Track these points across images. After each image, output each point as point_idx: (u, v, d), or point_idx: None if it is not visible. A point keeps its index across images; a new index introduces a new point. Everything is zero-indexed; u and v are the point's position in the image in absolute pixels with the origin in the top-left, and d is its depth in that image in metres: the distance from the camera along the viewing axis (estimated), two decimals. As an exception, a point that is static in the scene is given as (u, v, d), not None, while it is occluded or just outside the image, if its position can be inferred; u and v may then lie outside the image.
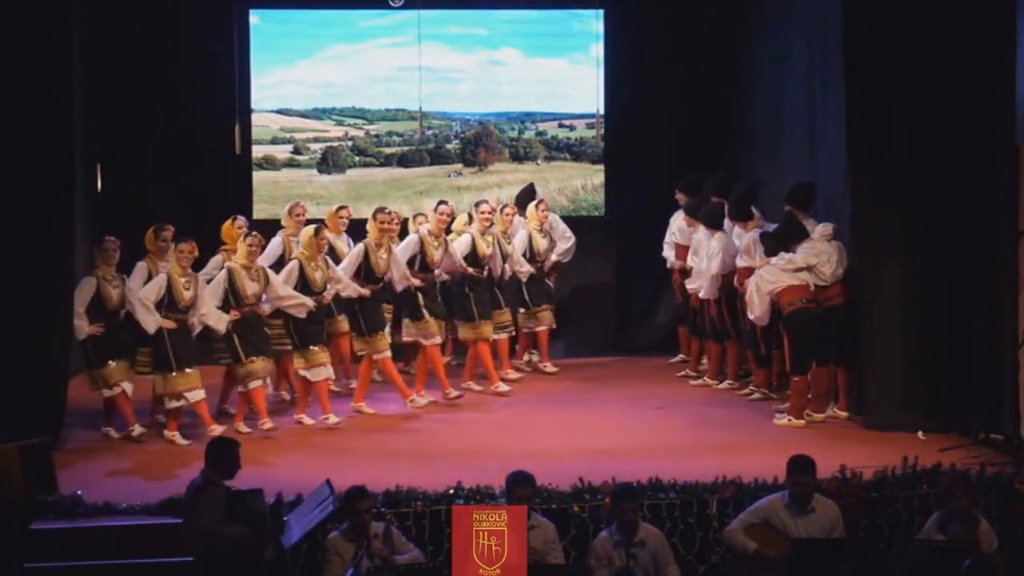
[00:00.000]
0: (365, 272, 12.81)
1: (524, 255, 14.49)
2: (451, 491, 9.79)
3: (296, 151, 16.23)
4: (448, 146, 16.41)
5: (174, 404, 11.85)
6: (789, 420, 12.21)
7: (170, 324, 11.81)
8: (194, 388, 11.83)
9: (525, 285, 14.55)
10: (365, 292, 12.71)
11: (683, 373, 14.45)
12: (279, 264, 12.81)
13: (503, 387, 13.73)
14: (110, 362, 11.87)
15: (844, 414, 12.39)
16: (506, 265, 14.26)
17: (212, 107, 15.48)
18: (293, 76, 16.12)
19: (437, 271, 13.38)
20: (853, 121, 11.96)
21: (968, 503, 8.75)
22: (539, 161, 16.48)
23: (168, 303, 11.82)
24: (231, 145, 15.33)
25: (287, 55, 16.05)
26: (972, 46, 11.54)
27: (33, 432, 10.07)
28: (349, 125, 16.37)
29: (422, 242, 13.26)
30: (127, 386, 12.00)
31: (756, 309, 12.42)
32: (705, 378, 14.08)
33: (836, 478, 9.93)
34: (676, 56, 15.89)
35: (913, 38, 11.67)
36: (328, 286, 12.55)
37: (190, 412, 12.10)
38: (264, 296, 12.22)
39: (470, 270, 13.65)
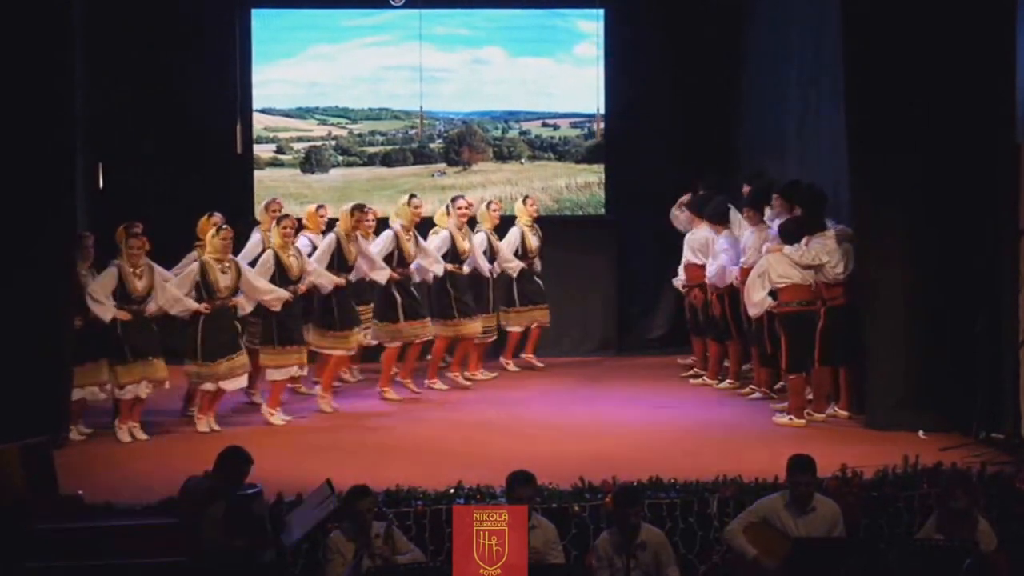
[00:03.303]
0: (338, 263, 12.94)
1: (516, 252, 14.53)
2: (451, 491, 9.83)
3: (279, 151, 16.28)
4: (432, 145, 16.48)
5: (128, 396, 11.90)
6: (790, 419, 12.27)
7: (124, 315, 11.86)
8: (143, 380, 11.90)
9: (516, 283, 14.61)
10: (341, 281, 12.83)
11: (690, 372, 14.55)
12: (256, 261, 12.92)
13: (463, 381, 14.12)
14: (88, 362, 11.94)
15: (845, 413, 12.47)
16: (495, 264, 14.32)
17: (213, 106, 15.56)
18: (276, 75, 16.16)
19: (413, 265, 13.47)
20: (853, 120, 12.03)
21: (968, 503, 8.80)
22: (523, 160, 16.55)
23: (121, 295, 11.88)
24: (232, 144, 15.38)
25: (270, 54, 16.08)
26: (972, 45, 11.62)
27: (34, 432, 10.16)
28: (332, 124, 16.42)
29: (397, 237, 13.35)
30: (95, 389, 12.07)
31: (754, 296, 12.40)
32: (705, 377, 14.15)
33: (837, 477, 9.98)
34: (676, 55, 16.00)
35: (913, 36, 11.76)
36: (304, 277, 12.67)
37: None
38: (240, 290, 12.30)
39: (450, 267, 13.78)
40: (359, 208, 13.17)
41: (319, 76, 16.35)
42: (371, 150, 16.46)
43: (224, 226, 12.41)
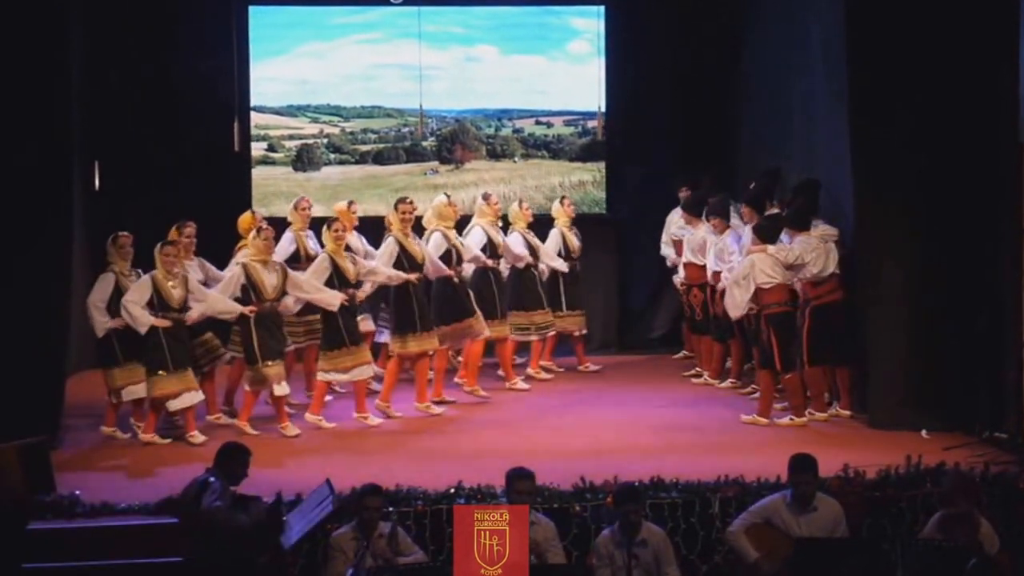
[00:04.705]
0: (408, 263, 12.83)
1: (559, 254, 14.63)
2: (452, 491, 9.94)
3: (271, 149, 16.36)
4: (424, 143, 16.57)
5: (176, 406, 11.90)
6: (790, 420, 12.36)
7: (163, 323, 11.83)
8: (187, 390, 11.87)
9: (562, 285, 14.68)
10: (412, 277, 12.71)
11: (691, 372, 14.66)
12: (292, 262, 12.91)
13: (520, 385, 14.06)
14: (132, 363, 12.01)
15: (847, 413, 12.57)
16: (543, 264, 14.42)
17: (210, 104, 15.65)
18: (267, 73, 16.24)
19: (466, 262, 13.46)
20: (856, 118, 12.14)
21: (968, 506, 8.89)
22: (516, 159, 16.65)
23: (159, 304, 11.85)
24: (230, 143, 15.45)
25: (260, 52, 16.15)
26: (975, 43, 11.76)
27: (31, 432, 10.26)
28: (324, 122, 16.52)
29: (447, 237, 13.30)
30: (135, 395, 12.12)
31: (739, 297, 12.44)
32: (707, 377, 14.25)
33: (839, 477, 10.09)
34: (676, 52, 16.07)
35: (916, 35, 11.89)
36: (362, 280, 12.58)
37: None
38: (288, 292, 12.27)
39: (490, 262, 13.79)
40: (401, 200, 13.12)
41: (310, 74, 16.45)
42: (363, 148, 16.56)
43: (264, 226, 12.44)
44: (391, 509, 9.52)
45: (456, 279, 13.24)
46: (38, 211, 11.42)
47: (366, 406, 12.62)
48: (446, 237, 13.25)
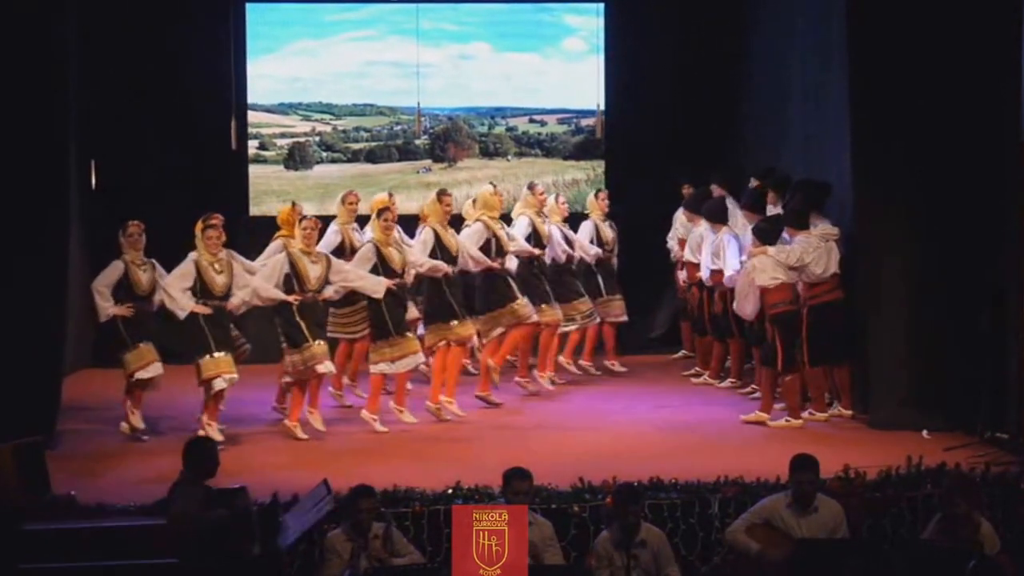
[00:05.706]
0: (442, 255, 12.80)
1: (592, 243, 14.66)
2: (450, 491, 9.98)
3: (262, 147, 16.43)
4: (417, 141, 16.63)
5: (216, 388, 11.85)
6: (787, 421, 12.41)
7: (204, 309, 11.82)
8: (223, 374, 11.80)
9: (600, 275, 14.69)
10: (449, 270, 12.72)
11: (691, 372, 14.70)
12: (337, 254, 12.89)
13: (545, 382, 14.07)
14: (141, 344, 12.04)
15: (848, 413, 12.62)
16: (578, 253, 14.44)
17: (208, 102, 15.71)
18: (259, 71, 16.29)
19: (511, 253, 13.48)
20: (857, 116, 12.20)
21: (967, 508, 8.92)
22: (509, 157, 16.71)
23: (201, 291, 11.84)
24: (227, 141, 15.48)
25: (252, 50, 16.19)
26: (978, 41, 11.82)
27: (27, 432, 10.28)
28: (316, 120, 16.57)
29: (488, 227, 13.31)
30: (151, 372, 12.14)
31: (749, 304, 12.53)
32: (706, 376, 14.29)
33: (839, 477, 10.11)
34: (677, 49, 16.13)
35: (919, 32, 11.95)
36: (408, 269, 12.56)
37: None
38: (329, 280, 12.26)
39: (536, 252, 13.78)
40: (442, 192, 13.12)
41: (302, 71, 16.52)
42: (355, 146, 16.64)
43: (307, 216, 12.46)
44: (384, 510, 9.52)
45: (500, 267, 13.24)
46: (36, 210, 11.44)
47: (404, 399, 12.62)
48: (488, 227, 13.28)
